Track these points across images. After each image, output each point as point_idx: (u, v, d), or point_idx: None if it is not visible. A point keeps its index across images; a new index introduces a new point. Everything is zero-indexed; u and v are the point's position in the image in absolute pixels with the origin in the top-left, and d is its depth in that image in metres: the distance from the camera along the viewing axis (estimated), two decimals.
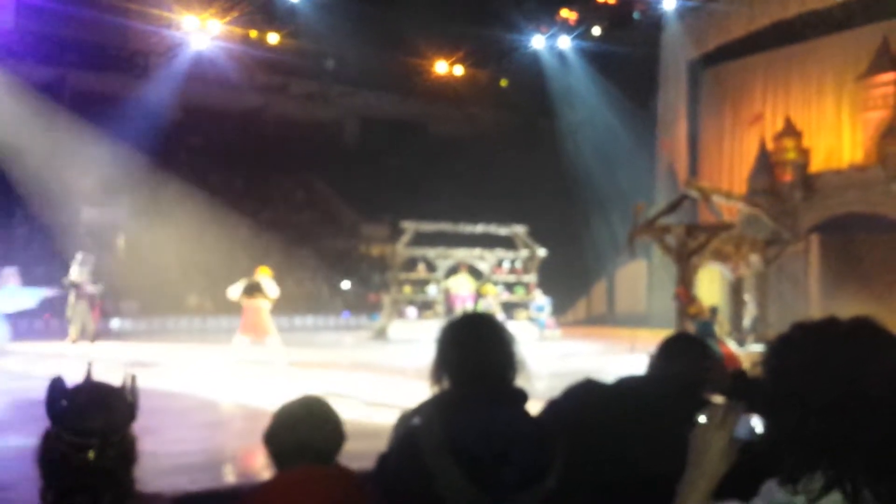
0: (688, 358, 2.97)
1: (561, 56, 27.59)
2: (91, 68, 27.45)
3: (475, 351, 2.50)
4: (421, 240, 21.08)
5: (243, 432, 7.75)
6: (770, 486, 1.42)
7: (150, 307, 21.77)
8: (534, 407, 2.59)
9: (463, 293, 21.11)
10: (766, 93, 24.55)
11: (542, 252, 21.83)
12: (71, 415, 2.01)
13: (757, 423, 1.46)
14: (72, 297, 16.66)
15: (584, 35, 26.10)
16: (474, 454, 2.33)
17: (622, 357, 14.84)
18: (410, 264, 21.30)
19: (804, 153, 22.16)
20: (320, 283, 26.44)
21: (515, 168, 28.49)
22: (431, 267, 21.40)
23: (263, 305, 14.76)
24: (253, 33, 25.15)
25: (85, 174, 24.12)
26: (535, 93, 28.45)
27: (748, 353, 13.88)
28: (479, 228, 21.50)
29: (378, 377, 12.58)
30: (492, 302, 20.89)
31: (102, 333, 17.54)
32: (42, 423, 2.06)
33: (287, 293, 16.69)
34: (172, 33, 24.37)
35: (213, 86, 28.70)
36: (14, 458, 6.13)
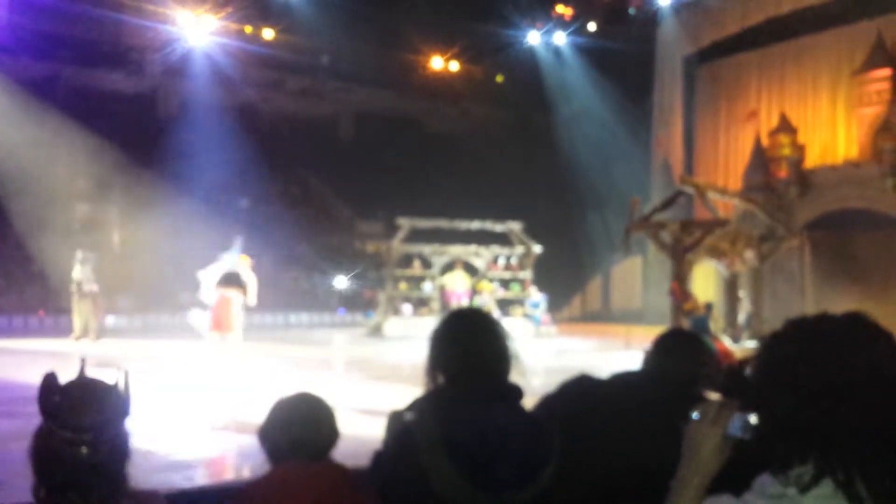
0: (683, 354, 2.97)
1: (556, 52, 27.61)
2: (85, 64, 27.38)
3: (468, 347, 2.50)
4: (416, 236, 21.09)
5: (237, 429, 7.75)
6: (763, 480, 1.43)
7: (144, 304, 21.75)
8: (528, 403, 2.59)
9: (458, 290, 21.12)
10: (762, 89, 24.58)
11: (537, 248, 21.85)
12: (64, 410, 2.00)
13: (750, 420, 1.46)
14: (75, 296, 16.57)
15: (580, 31, 26.11)
16: (469, 451, 2.33)
17: (617, 353, 14.86)
18: (406, 261, 21.31)
19: (799, 149, 22.19)
20: (315, 279, 26.42)
21: (511, 164, 28.50)
22: (427, 263, 21.41)
23: (235, 299, 13.94)
24: (248, 29, 25.13)
25: (78, 170, 24.07)
26: (530, 89, 28.45)
27: (743, 349, 13.90)
28: (475, 225, 21.51)
29: (373, 374, 12.58)
30: (487, 298, 20.90)
31: (103, 331, 17.46)
32: (35, 419, 2.05)
33: (282, 290, 16.60)
34: (167, 29, 24.32)
35: (208, 82, 28.64)
36: (5, 454, 6.11)
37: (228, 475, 6.65)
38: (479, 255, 21.59)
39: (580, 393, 2.84)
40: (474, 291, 21.22)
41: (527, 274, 21.96)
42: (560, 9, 26.17)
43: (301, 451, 2.55)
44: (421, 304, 21.36)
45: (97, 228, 23.54)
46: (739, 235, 17.61)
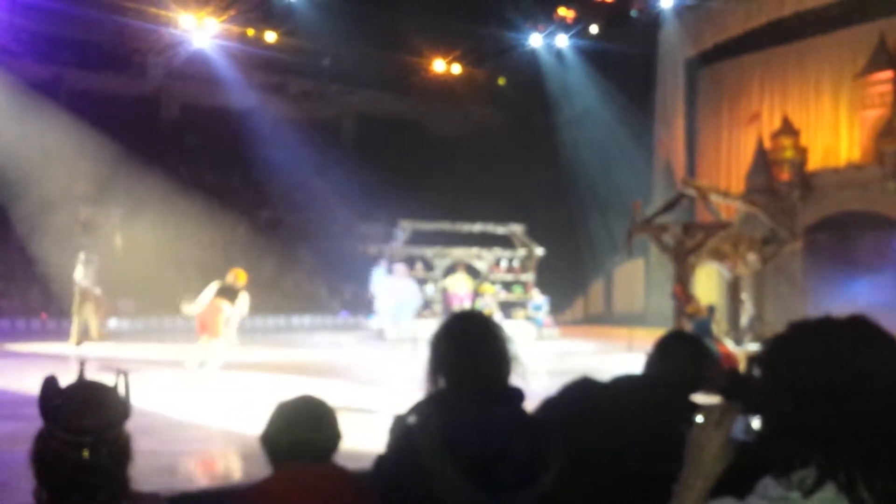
0: (685, 357, 2.97)
1: (558, 54, 27.61)
2: (87, 67, 27.41)
3: (468, 350, 2.50)
4: (418, 239, 21.08)
5: (239, 431, 7.74)
6: (766, 483, 1.42)
7: (146, 307, 21.75)
8: (530, 406, 2.58)
9: (461, 292, 21.10)
10: (764, 91, 24.56)
11: (539, 251, 21.84)
12: (65, 413, 2.00)
13: (753, 423, 1.46)
14: (76, 297, 16.49)
15: (582, 33, 26.10)
16: (471, 453, 2.33)
17: (619, 356, 14.84)
18: (408, 263, 21.30)
19: (801, 152, 22.18)
20: (318, 282, 26.42)
21: (513, 167, 28.48)
22: (429, 266, 21.40)
23: (225, 308, 13.91)
24: (250, 32, 25.14)
25: (80, 173, 24.09)
26: (532, 91, 28.44)
27: (745, 351, 13.88)
28: (477, 227, 21.50)
29: (375, 377, 12.57)
30: (489, 301, 20.88)
31: (106, 334, 17.41)
32: (37, 422, 2.05)
33: (284, 292, 16.61)
34: (170, 32, 24.35)
35: (210, 84, 28.67)
36: (7, 456, 6.11)
37: (230, 478, 6.64)
38: (482, 258, 21.58)
39: (582, 396, 2.84)
40: (476, 294, 21.20)
41: (529, 276, 21.94)
42: (562, 11, 26.17)
43: (303, 453, 2.54)
44: (423, 306, 21.36)
45: (99, 231, 23.55)
46: (742, 238, 17.60)
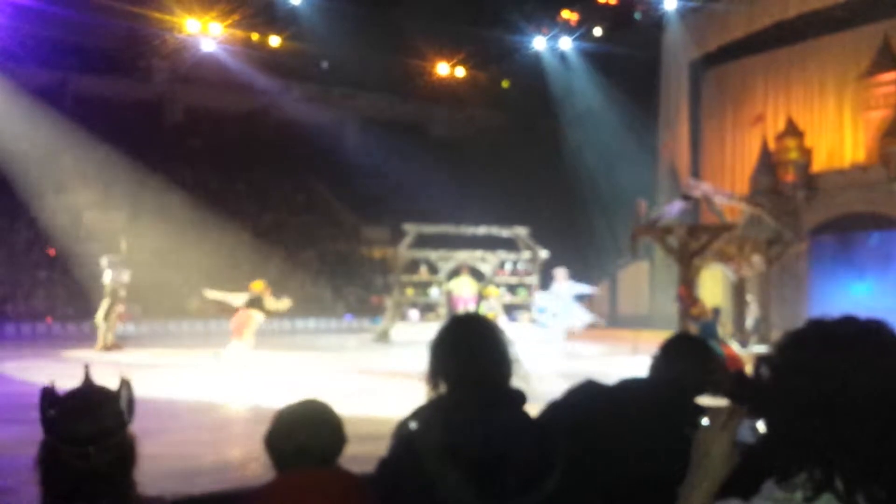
0: (690, 359, 2.96)
1: (562, 57, 27.61)
2: (92, 71, 27.48)
3: (469, 353, 2.49)
4: (423, 242, 21.07)
5: (244, 435, 7.74)
6: (771, 485, 1.42)
7: (151, 311, 21.77)
8: (534, 409, 2.57)
9: (465, 295, 21.08)
10: (768, 93, 24.52)
11: (544, 253, 21.81)
12: (60, 424, 2.01)
13: (759, 426, 1.45)
14: (106, 302, 16.40)
15: (585, 36, 26.11)
16: (473, 457, 2.32)
17: (624, 358, 14.81)
18: (412, 266, 21.29)
19: (806, 153, 22.13)
20: (322, 285, 26.44)
21: (517, 169, 28.49)
22: (433, 269, 21.38)
23: (255, 317, 15.06)
24: (254, 36, 25.19)
25: (85, 177, 24.13)
26: (536, 94, 28.45)
27: (751, 354, 13.85)
28: (481, 230, 21.48)
29: (380, 380, 12.57)
30: (494, 304, 20.85)
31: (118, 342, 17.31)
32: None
33: (289, 296, 16.68)
34: (174, 36, 24.40)
35: (214, 88, 28.73)
36: (14, 461, 6.12)
37: (236, 482, 6.64)
38: (486, 261, 21.55)
39: (587, 399, 2.84)
40: (481, 297, 21.17)
41: (533, 279, 21.91)
42: (566, 14, 26.18)
43: (307, 457, 2.54)
44: (428, 309, 21.34)
45: (104, 235, 23.59)
46: (747, 240, 17.56)
